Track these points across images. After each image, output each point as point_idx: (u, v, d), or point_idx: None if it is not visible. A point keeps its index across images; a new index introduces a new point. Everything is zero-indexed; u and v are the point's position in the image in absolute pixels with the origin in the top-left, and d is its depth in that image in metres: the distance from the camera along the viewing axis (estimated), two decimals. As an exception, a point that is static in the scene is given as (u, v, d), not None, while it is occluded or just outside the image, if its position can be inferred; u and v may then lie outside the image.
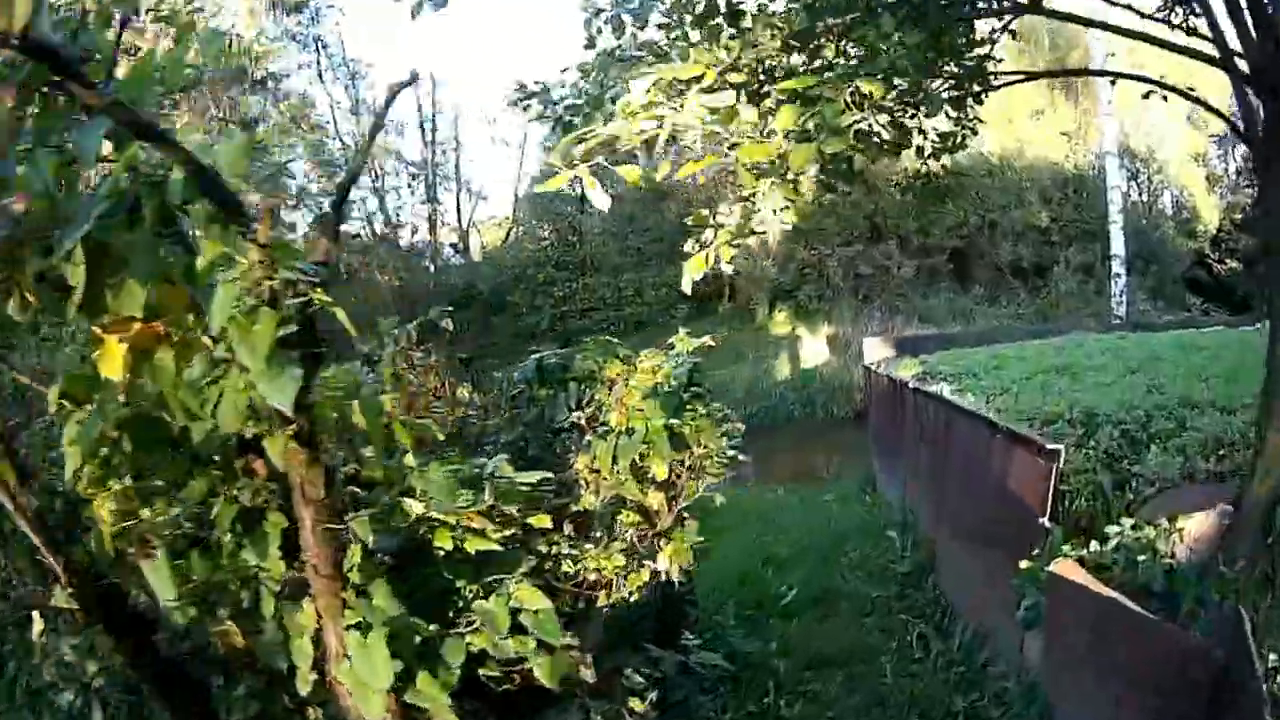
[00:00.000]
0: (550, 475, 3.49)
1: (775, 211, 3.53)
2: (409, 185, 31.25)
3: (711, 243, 3.64)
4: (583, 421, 4.47)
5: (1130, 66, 23.86)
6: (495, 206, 40.18)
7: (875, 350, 13.80)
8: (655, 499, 4.35)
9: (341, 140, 29.77)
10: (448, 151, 31.88)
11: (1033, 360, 8.11)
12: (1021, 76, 6.21)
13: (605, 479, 4.26)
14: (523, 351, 24.23)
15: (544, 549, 3.59)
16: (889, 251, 21.92)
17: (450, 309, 4.16)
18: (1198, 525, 3.88)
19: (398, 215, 31.76)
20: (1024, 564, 4.30)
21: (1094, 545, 4.07)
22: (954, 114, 5.20)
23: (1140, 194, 25.94)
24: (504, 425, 5.00)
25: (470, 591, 2.82)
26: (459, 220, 31.21)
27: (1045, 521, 4.55)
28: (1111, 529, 4.03)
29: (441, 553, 2.78)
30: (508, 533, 2.95)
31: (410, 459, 2.75)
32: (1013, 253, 22.39)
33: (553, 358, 5.07)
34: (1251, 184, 26.96)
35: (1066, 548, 4.13)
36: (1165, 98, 4.99)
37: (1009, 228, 22.74)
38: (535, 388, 5.03)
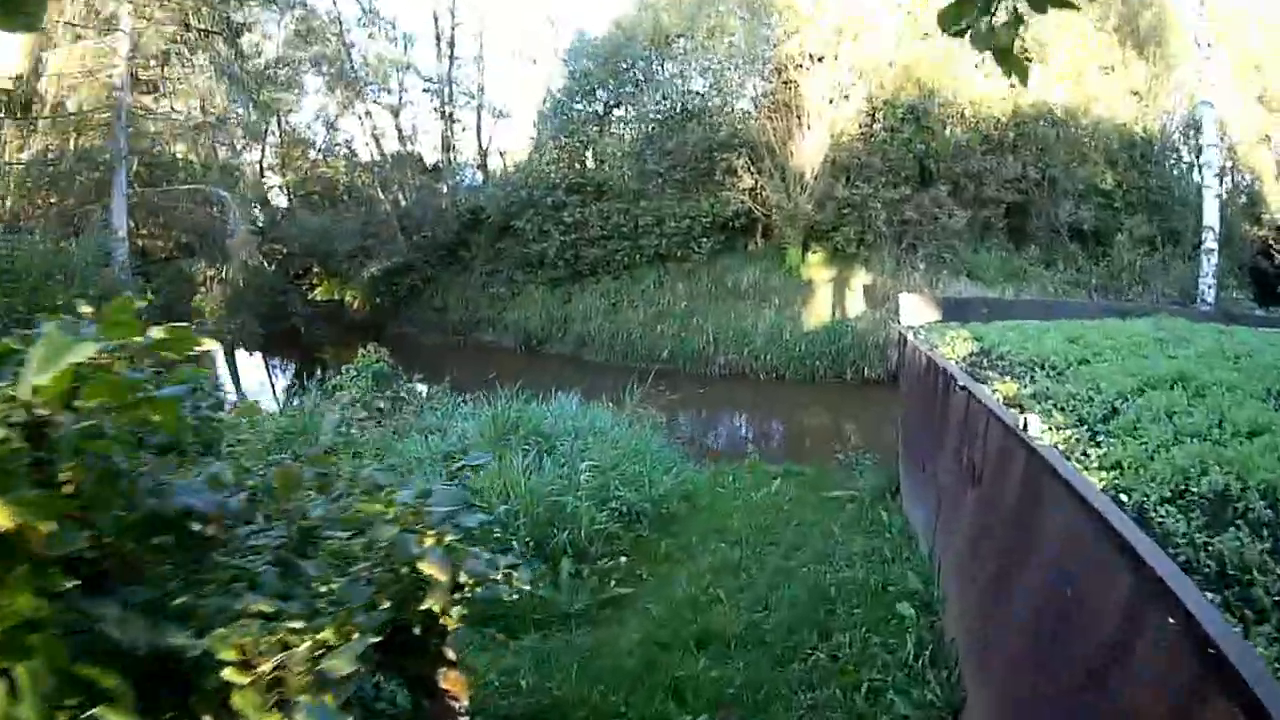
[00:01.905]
0: None
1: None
2: (431, 101, 29.56)
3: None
4: None
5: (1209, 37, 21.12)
6: (519, 127, 38.10)
7: (915, 310, 11.60)
8: None
9: (348, 52, 27.97)
10: (463, 66, 29.90)
11: (1130, 356, 6.20)
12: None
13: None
14: (518, 286, 22.52)
15: None
16: (939, 198, 19.64)
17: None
18: None
19: (413, 132, 29.93)
20: None
21: None
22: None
23: (1211, 169, 23.57)
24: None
25: None
26: (478, 139, 29.54)
27: None
28: None
29: None
30: None
31: None
32: (1073, 214, 20.26)
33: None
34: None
35: None
36: None
37: (1070, 186, 20.55)
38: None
